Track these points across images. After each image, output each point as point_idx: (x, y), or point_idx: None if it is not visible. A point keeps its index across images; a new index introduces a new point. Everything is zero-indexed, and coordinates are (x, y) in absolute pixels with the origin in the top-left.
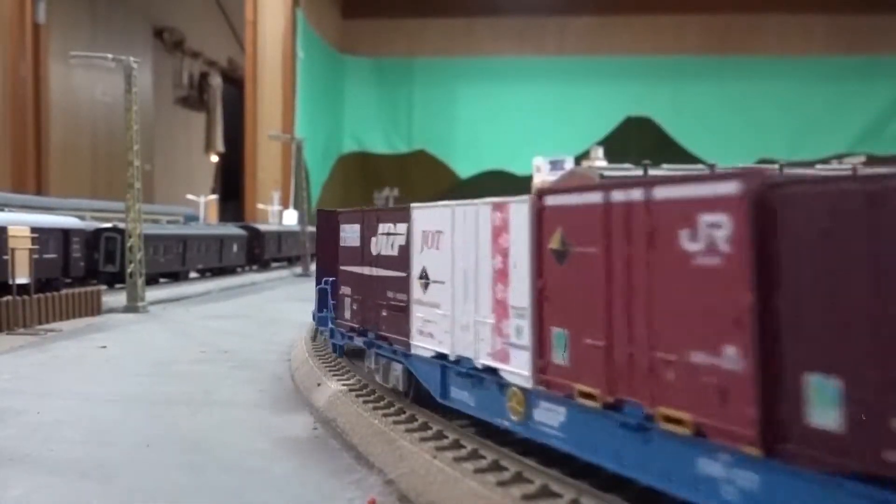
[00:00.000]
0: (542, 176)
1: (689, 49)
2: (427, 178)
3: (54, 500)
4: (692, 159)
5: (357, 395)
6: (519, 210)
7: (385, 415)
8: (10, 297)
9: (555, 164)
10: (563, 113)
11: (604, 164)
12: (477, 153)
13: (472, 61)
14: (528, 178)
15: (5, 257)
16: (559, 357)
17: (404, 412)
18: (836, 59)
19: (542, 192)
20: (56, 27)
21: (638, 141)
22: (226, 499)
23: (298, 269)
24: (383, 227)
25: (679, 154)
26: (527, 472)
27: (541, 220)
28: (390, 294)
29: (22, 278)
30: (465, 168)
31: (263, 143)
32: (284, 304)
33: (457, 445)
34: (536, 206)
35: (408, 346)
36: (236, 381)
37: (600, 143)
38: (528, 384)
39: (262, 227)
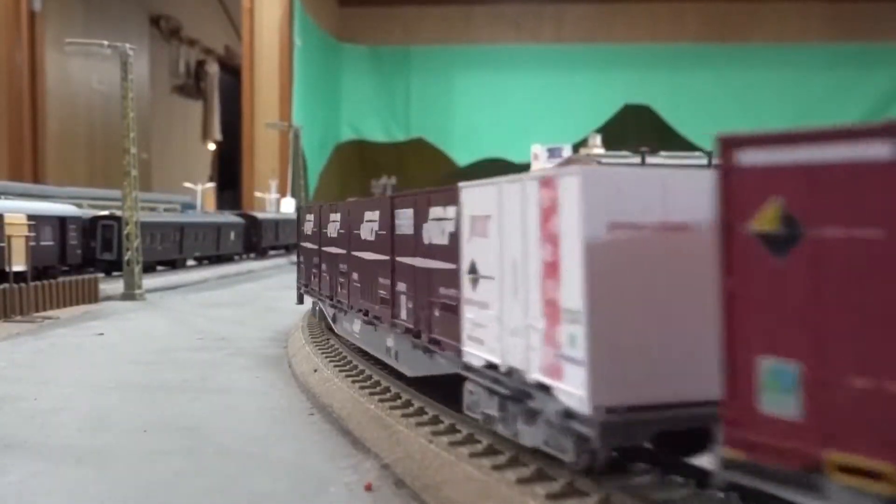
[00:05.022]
0: (540, 163)
1: (687, 37)
2: (425, 167)
3: (51, 487)
4: (690, 147)
5: (353, 381)
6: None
7: (381, 400)
8: (6, 285)
9: (553, 152)
10: (561, 101)
11: (602, 151)
12: (475, 141)
13: (470, 49)
14: (527, 166)
15: (1, 245)
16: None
17: (400, 397)
18: (834, 46)
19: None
20: (52, 15)
21: (636, 128)
22: (223, 484)
23: (296, 258)
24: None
25: (677, 141)
26: (522, 456)
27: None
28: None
29: (18, 266)
30: (463, 156)
31: (261, 132)
32: (281, 291)
33: (452, 430)
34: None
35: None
36: (233, 367)
37: (598, 131)
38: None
39: (259, 215)
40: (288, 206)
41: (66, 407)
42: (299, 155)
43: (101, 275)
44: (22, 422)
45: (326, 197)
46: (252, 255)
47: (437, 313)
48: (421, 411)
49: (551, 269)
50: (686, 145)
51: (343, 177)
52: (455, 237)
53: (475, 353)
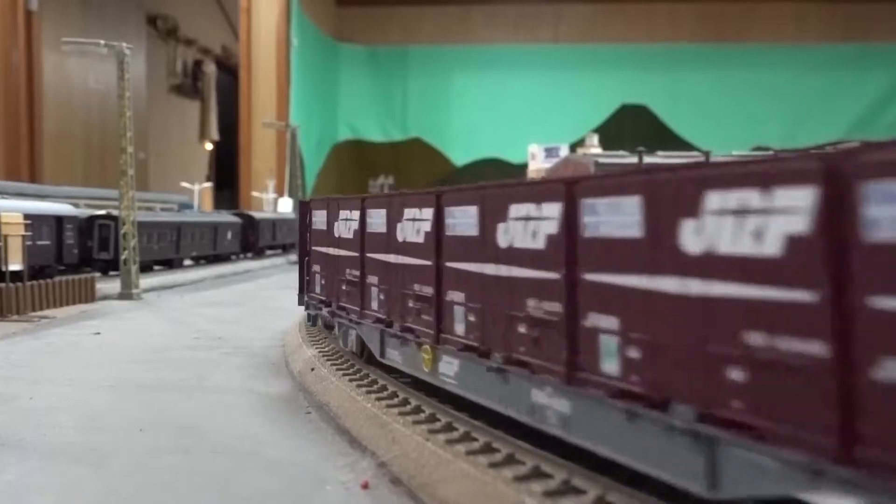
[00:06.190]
0: (538, 163)
1: (683, 37)
2: (422, 166)
3: (47, 485)
4: (687, 147)
5: (350, 380)
6: None
7: (378, 398)
8: (2, 284)
9: (550, 152)
10: (559, 101)
11: (599, 151)
12: (472, 141)
13: (468, 49)
14: (524, 166)
15: None
16: None
17: (397, 396)
18: (830, 46)
19: None
20: (49, 14)
21: (633, 128)
22: (219, 482)
23: (293, 257)
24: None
25: (674, 141)
26: (519, 453)
27: None
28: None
29: (15, 265)
30: (460, 156)
31: (258, 131)
32: (279, 291)
33: (449, 428)
34: None
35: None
36: (230, 367)
37: (595, 131)
38: None
39: (256, 214)
40: (285, 206)
41: (62, 406)
42: (297, 154)
43: (97, 274)
44: (18, 421)
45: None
46: (249, 254)
47: None
48: (418, 409)
49: None
50: (684, 145)
51: (340, 176)
52: None
53: None
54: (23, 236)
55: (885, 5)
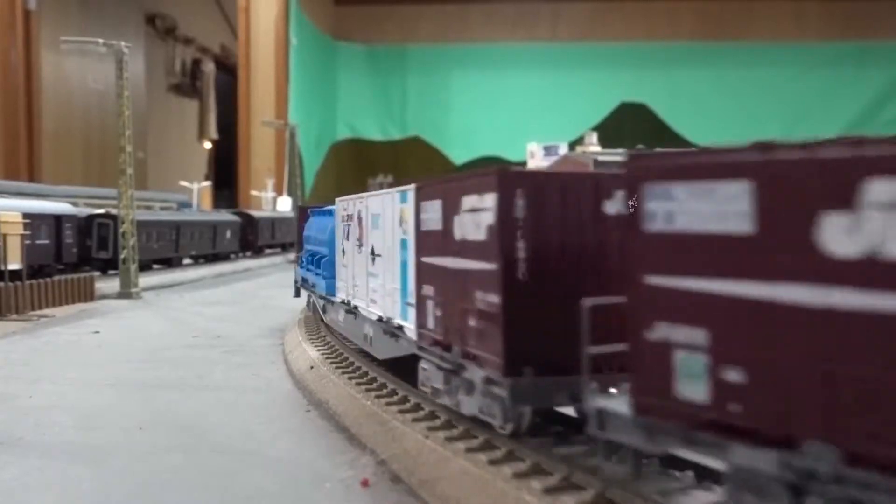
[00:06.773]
0: (537, 161)
1: (682, 35)
2: (421, 165)
3: (47, 484)
4: (686, 145)
5: (350, 378)
6: None
7: (378, 396)
8: (2, 284)
9: (549, 150)
10: (558, 99)
11: (598, 149)
12: (471, 139)
13: (466, 48)
14: (523, 164)
15: None
16: None
17: (397, 393)
18: (829, 44)
19: None
20: (47, 14)
21: (632, 126)
22: (219, 481)
23: (292, 256)
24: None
25: (674, 139)
26: (518, 451)
27: None
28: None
29: (14, 264)
30: (459, 154)
31: (257, 130)
32: (278, 290)
33: (448, 426)
34: None
35: None
36: (229, 365)
37: (595, 129)
38: None
39: (255, 213)
40: (284, 205)
41: (61, 404)
42: (295, 153)
43: (96, 273)
44: (17, 419)
45: (323, 196)
46: (248, 253)
47: None
48: (417, 407)
49: None
50: (683, 143)
51: (339, 175)
52: None
53: None
54: (22, 235)
55: (884, 4)
